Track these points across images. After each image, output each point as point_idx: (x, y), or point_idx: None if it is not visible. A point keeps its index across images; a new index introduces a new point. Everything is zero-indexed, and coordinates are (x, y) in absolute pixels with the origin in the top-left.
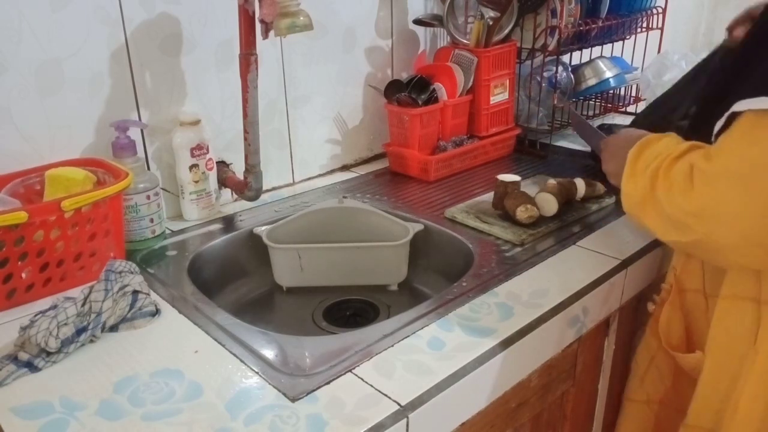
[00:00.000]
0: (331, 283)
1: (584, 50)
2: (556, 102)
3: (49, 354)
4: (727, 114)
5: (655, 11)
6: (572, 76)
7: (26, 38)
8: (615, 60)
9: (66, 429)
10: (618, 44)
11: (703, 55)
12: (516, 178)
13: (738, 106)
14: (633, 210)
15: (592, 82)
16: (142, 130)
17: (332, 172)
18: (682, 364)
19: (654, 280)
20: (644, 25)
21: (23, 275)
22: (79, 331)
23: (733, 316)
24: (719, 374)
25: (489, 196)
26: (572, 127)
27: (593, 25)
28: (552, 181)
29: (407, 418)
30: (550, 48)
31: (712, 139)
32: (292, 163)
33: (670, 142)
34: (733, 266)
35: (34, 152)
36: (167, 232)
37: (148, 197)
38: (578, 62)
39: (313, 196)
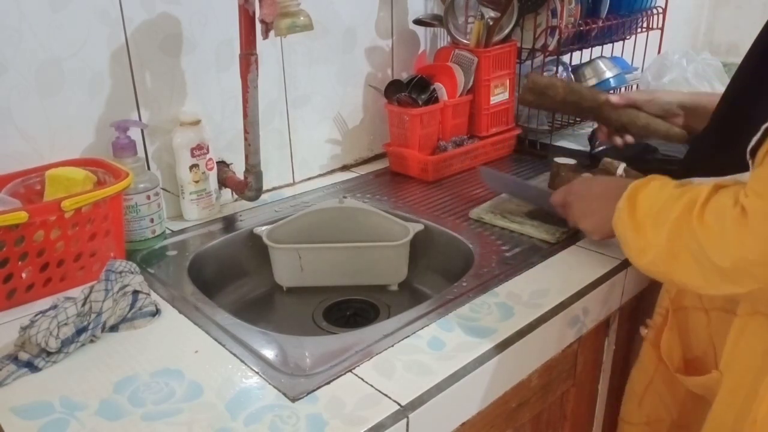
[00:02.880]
0: (331, 283)
1: (584, 50)
2: None
3: (49, 354)
4: (765, 127)
5: (655, 11)
6: (572, 76)
7: (26, 38)
8: (615, 60)
9: (66, 429)
10: (618, 44)
11: (704, 55)
12: (571, 161)
13: None
14: (656, 267)
15: (592, 82)
16: (142, 130)
17: (332, 172)
18: (692, 386)
19: (646, 290)
20: (644, 25)
21: (23, 275)
22: (80, 331)
23: (756, 333)
24: (736, 392)
25: (506, 196)
26: (491, 187)
27: (593, 25)
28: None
29: (407, 418)
30: (551, 48)
31: (748, 156)
32: (292, 163)
33: (665, 184)
34: None
35: (34, 152)
36: (167, 232)
37: (149, 197)
38: (578, 62)
39: (314, 196)
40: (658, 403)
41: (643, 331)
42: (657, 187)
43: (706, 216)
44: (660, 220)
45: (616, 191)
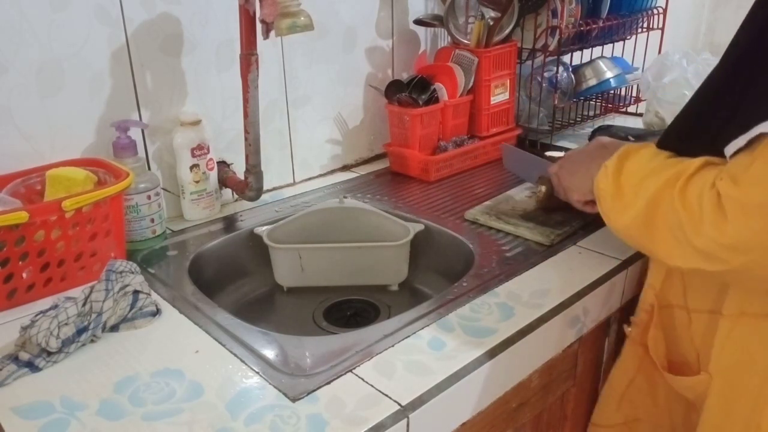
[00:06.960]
0: (331, 283)
1: (585, 50)
2: (556, 102)
3: (49, 354)
4: (749, 136)
5: (655, 11)
6: (573, 76)
7: (27, 38)
8: (615, 60)
9: (66, 429)
10: (618, 44)
11: (705, 56)
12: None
13: (764, 128)
14: (632, 232)
15: (592, 82)
16: (142, 130)
17: (333, 172)
18: (679, 387)
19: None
20: (645, 25)
21: (24, 275)
22: (80, 331)
23: (744, 336)
24: (734, 398)
25: (504, 197)
26: (505, 162)
27: (594, 26)
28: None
29: (408, 418)
30: (551, 48)
31: (728, 157)
32: (292, 163)
33: (657, 154)
34: None
35: (35, 152)
36: (168, 232)
37: (149, 197)
38: (579, 62)
39: (314, 196)
40: (638, 402)
41: (627, 329)
42: (648, 155)
43: (687, 192)
44: (642, 188)
45: (609, 151)
